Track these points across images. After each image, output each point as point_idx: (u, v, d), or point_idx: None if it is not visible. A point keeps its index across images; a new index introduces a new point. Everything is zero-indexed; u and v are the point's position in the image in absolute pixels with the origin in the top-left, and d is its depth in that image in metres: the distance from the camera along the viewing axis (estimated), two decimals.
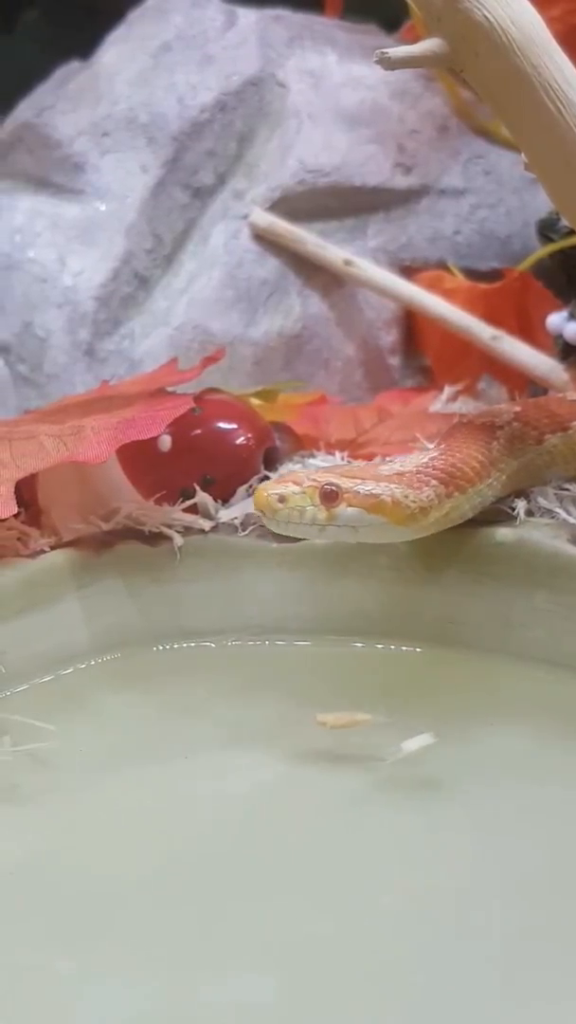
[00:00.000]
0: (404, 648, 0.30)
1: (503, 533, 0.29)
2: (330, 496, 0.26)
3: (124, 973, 0.22)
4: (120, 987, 0.22)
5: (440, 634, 0.30)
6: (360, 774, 0.26)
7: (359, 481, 0.27)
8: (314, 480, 0.27)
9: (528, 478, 0.31)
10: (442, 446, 0.29)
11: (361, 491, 0.27)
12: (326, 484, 0.27)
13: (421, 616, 0.30)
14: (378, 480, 0.27)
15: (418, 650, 0.30)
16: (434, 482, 0.28)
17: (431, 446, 0.29)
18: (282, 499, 0.26)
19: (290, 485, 0.27)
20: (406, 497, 0.27)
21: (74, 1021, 0.21)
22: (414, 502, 0.27)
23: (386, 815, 0.25)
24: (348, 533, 0.27)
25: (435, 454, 0.28)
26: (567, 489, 0.30)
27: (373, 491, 0.27)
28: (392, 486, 0.27)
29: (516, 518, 0.30)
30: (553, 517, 0.30)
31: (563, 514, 0.30)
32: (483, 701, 0.29)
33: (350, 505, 0.27)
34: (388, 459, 0.29)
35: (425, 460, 0.28)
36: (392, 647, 0.30)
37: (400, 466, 0.28)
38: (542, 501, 0.30)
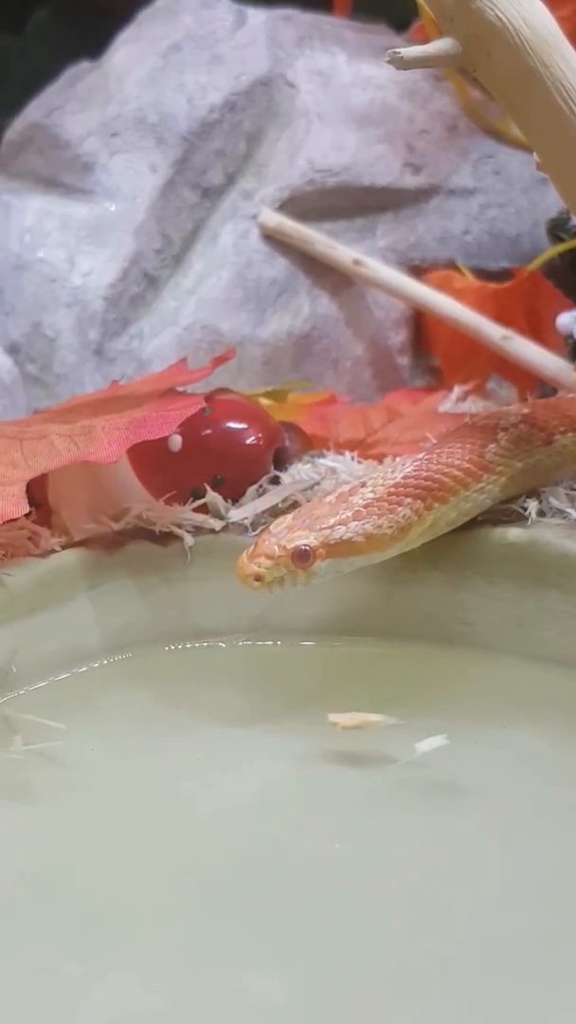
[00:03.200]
0: (416, 649, 0.30)
1: (515, 533, 0.29)
2: (303, 557, 0.26)
3: (133, 973, 0.22)
4: (129, 987, 0.22)
5: (452, 634, 0.30)
6: (372, 775, 0.26)
7: (328, 530, 0.27)
8: (283, 547, 0.26)
9: (537, 479, 0.30)
10: (423, 456, 0.29)
11: (332, 540, 0.27)
12: (297, 548, 0.26)
13: (433, 616, 0.30)
14: (346, 521, 0.27)
15: (430, 651, 0.30)
16: (407, 499, 0.28)
17: (410, 459, 0.29)
18: (259, 578, 0.26)
19: (262, 559, 0.26)
20: (379, 528, 0.27)
21: (82, 1020, 0.21)
22: (390, 527, 0.27)
23: (399, 816, 0.25)
24: (336, 575, 0.27)
25: (410, 469, 0.28)
26: None
27: (344, 536, 0.27)
28: (362, 523, 0.27)
29: (528, 518, 0.30)
30: (564, 517, 0.30)
31: (574, 514, 0.29)
32: (495, 702, 0.29)
33: (326, 557, 0.27)
34: (365, 478, 0.28)
35: (399, 477, 0.28)
36: (404, 647, 0.30)
37: (372, 492, 0.28)
38: (553, 501, 0.30)
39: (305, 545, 0.26)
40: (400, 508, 0.27)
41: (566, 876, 0.24)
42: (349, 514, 0.27)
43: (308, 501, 0.28)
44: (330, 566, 0.27)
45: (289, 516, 0.28)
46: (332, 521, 0.27)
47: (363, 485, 0.28)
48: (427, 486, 0.28)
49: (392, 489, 0.28)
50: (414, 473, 0.28)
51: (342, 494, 0.28)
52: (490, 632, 0.30)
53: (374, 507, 0.27)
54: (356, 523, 0.27)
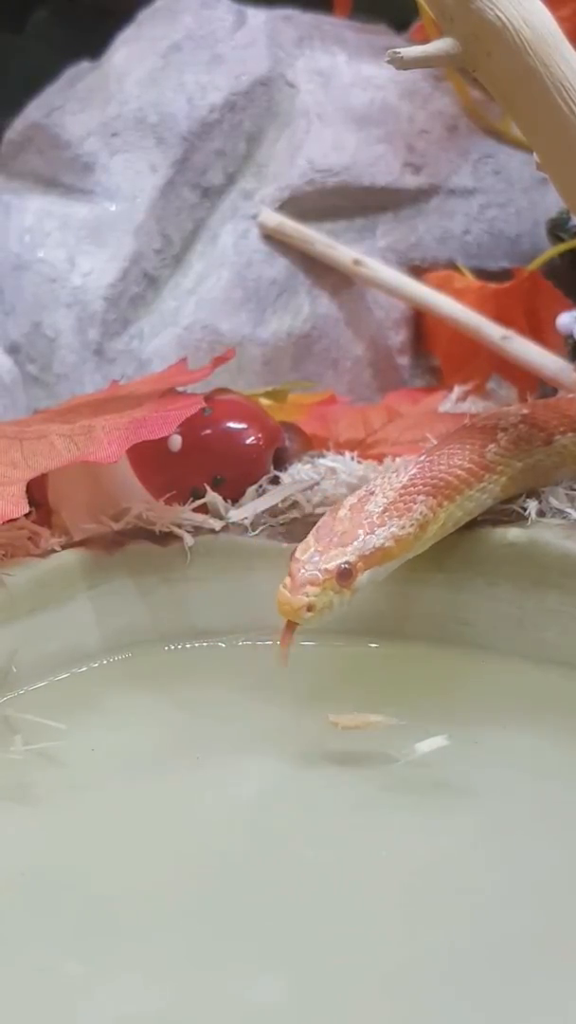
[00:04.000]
0: (416, 649, 0.30)
1: (515, 534, 0.29)
2: (346, 575, 0.26)
3: (134, 974, 0.22)
4: (129, 988, 0.22)
5: (452, 635, 0.30)
6: (373, 775, 0.26)
7: (360, 542, 0.26)
8: (325, 570, 0.26)
9: (537, 479, 0.30)
10: (425, 458, 0.28)
11: (367, 551, 0.26)
12: (339, 567, 0.26)
13: (433, 617, 0.30)
14: (373, 529, 0.27)
15: (430, 651, 0.30)
16: (420, 497, 0.28)
17: (412, 461, 0.29)
18: (310, 608, 0.26)
19: (307, 588, 0.26)
20: (403, 528, 0.27)
21: (83, 1021, 0.21)
22: (411, 526, 0.27)
23: (399, 817, 0.25)
24: (371, 586, 0.27)
25: (414, 471, 0.28)
26: None
27: (376, 544, 0.27)
28: (387, 527, 0.27)
29: (528, 519, 0.30)
30: (564, 517, 0.30)
31: (574, 515, 0.29)
32: (496, 702, 0.29)
33: (364, 570, 0.26)
34: (371, 486, 0.28)
35: (405, 479, 0.28)
36: (404, 648, 0.30)
37: (384, 497, 0.27)
38: (553, 501, 0.30)
39: (346, 563, 0.26)
40: (415, 506, 0.27)
41: (565, 876, 0.24)
42: (372, 522, 0.27)
43: (317, 524, 0.27)
44: (368, 577, 0.27)
45: (309, 540, 0.27)
46: (360, 533, 0.27)
47: (372, 493, 0.28)
48: (435, 484, 0.28)
49: (402, 491, 0.28)
50: (419, 474, 0.28)
51: (354, 506, 0.27)
52: (490, 632, 0.29)
53: (392, 510, 0.27)
54: (382, 529, 0.27)
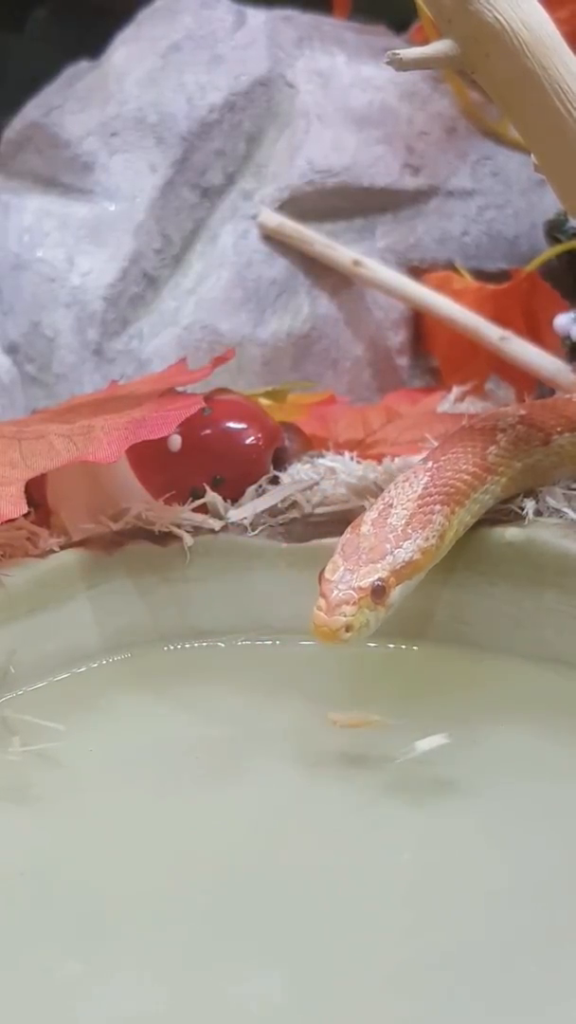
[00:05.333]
0: (415, 648, 0.30)
1: (512, 533, 0.29)
2: (380, 592, 0.26)
3: (133, 974, 0.22)
4: (128, 988, 0.22)
5: (451, 634, 0.30)
6: (373, 773, 0.26)
7: (390, 557, 0.26)
8: (360, 588, 0.25)
9: (535, 478, 0.31)
10: (431, 464, 0.29)
11: (398, 566, 0.26)
12: (373, 585, 0.26)
13: (432, 616, 0.30)
14: (400, 543, 0.26)
15: (429, 650, 0.30)
16: (436, 507, 0.28)
17: (421, 468, 0.29)
18: (349, 628, 0.25)
19: (344, 608, 0.25)
20: (427, 540, 0.27)
21: (82, 1021, 0.21)
22: (433, 536, 0.27)
23: (399, 815, 0.25)
24: (402, 600, 0.27)
25: (425, 479, 0.28)
26: (575, 489, 0.30)
27: (405, 558, 0.26)
28: (413, 540, 0.27)
29: (525, 518, 0.30)
30: (562, 517, 0.30)
31: (571, 514, 0.30)
32: (494, 701, 0.29)
33: (396, 585, 0.26)
34: (387, 498, 0.28)
35: (420, 489, 0.28)
36: (403, 647, 0.30)
37: (404, 508, 0.27)
38: (551, 501, 0.30)
39: (379, 580, 0.26)
40: (434, 516, 0.27)
41: (565, 873, 0.24)
42: (397, 535, 0.27)
43: (341, 541, 0.27)
44: (400, 592, 0.26)
45: (336, 559, 0.26)
46: (388, 547, 0.26)
47: (390, 506, 0.28)
48: (447, 491, 0.28)
49: (420, 502, 0.27)
50: (431, 482, 0.28)
51: (376, 520, 0.27)
52: (488, 631, 0.30)
53: (414, 522, 0.27)
54: (408, 542, 0.27)
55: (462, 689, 0.29)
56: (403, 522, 0.27)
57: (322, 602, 0.26)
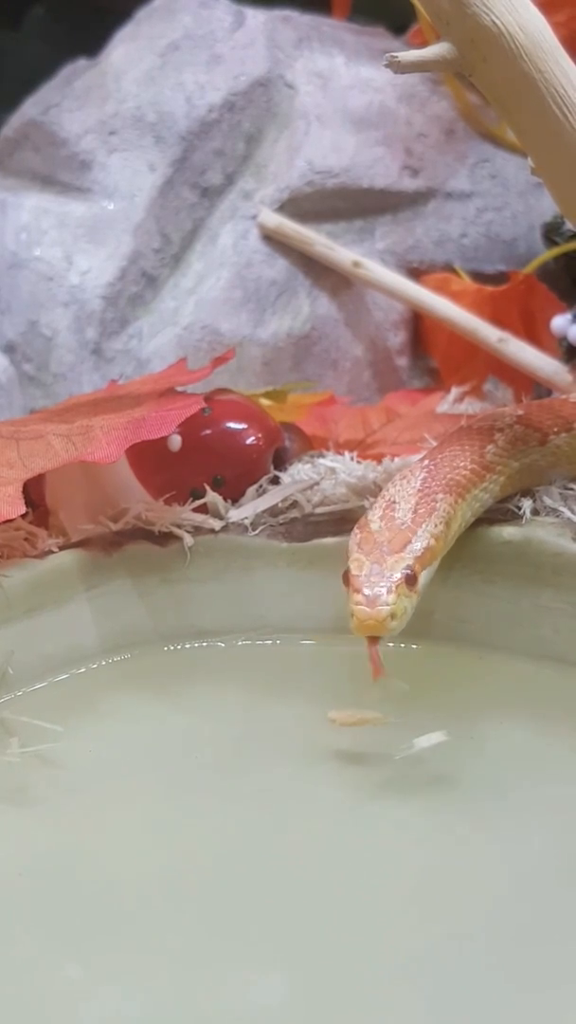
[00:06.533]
0: (414, 646, 0.30)
1: (510, 532, 0.30)
2: (412, 580, 0.26)
3: (132, 975, 0.22)
4: (128, 989, 0.22)
5: (449, 632, 0.30)
6: (372, 771, 0.27)
7: (410, 545, 0.27)
8: (394, 579, 0.26)
9: (532, 478, 0.31)
10: (428, 462, 0.29)
11: (419, 552, 0.27)
12: (405, 575, 0.26)
13: (430, 615, 0.30)
14: (414, 531, 0.27)
15: (427, 648, 0.30)
16: (439, 495, 0.28)
17: (417, 466, 0.29)
18: (393, 616, 0.26)
19: (385, 598, 0.26)
20: (437, 526, 0.28)
21: (82, 1022, 0.21)
22: (441, 522, 0.28)
23: (398, 812, 0.26)
24: (426, 586, 0.27)
25: (423, 475, 0.28)
26: (572, 488, 0.31)
27: (425, 545, 0.27)
28: (425, 527, 0.27)
29: (522, 517, 0.30)
30: (558, 516, 0.30)
31: (568, 513, 0.30)
32: (493, 698, 0.29)
33: (421, 570, 0.27)
34: (387, 496, 0.28)
35: (418, 484, 0.28)
36: (402, 645, 0.30)
37: (406, 502, 0.28)
38: (547, 500, 0.30)
39: (408, 567, 0.26)
40: (437, 504, 0.28)
41: (564, 870, 0.24)
42: (409, 526, 0.27)
43: (355, 541, 0.27)
44: (425, 577, 0.27)
45: (359, 557, 0.27)
46: (408, 536, 0.27)
47: (393, 502, 0.28)
48: (447, 482, 0.29)
49: (420, 493, 0.28)
50: (430, 476, 0.29)
51: (384, 516, 0.28)
52: (486, 630, 0.30)
53: (421, 511, 0.28)
54: (422, 530, 0.27)
55: (461, 687, 0.29)
56: (410, 514, 0.28)
57: (360, 598, 0.26)
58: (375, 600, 0.26)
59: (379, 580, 0.26)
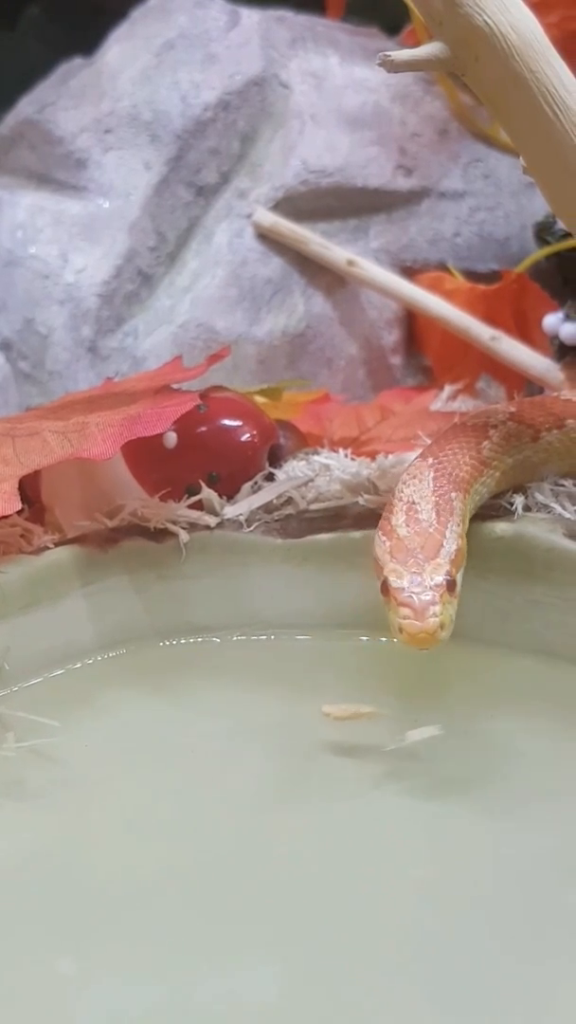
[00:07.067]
0: None
1: (502, 528, 0.30)
2: (452, 585, 0.26)
3: (128, 970, 0.22)
4: (124, 984, 0.22)
5: None
6: (366, 765, 0.27)
7: (443, 550, 0.27)
8: (437, 588, 0.26)
9: (525, 474, 0.31)
10: (430, 460, 0.29)
11: (452, 556, 0.27)
12: (446, 582, 0.26)
13: None
14: (442, 534, 0.27)
15: None
16: (452, 493, 0.28)
17: (423, 465, 0.29)
18: (442, 626, 0.26)
19: (432, 609, 0.25)
20: (458, 525, 0.28)
21: (78, 1016, 0.21)
22: (460, 521, 0.28)
23: (392, 805, 0.26)
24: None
25: (432, 475, 0.29)
26: (563, 485, 0.31)
27: (455, 547, 0.27)
28: (448, 528, 0.27)
29: (514, 513, 0.30)
30: (549, 512, 0.30)
31: (559, 509, 0.30)
32: (486, 693, 0.29)
33: (456, 573, 0.27)
34: (404, 498, 0.28)
35: (431, 483, 0.28)
36: (395, 640, 0.29)
37: (425, 502, 0.28)
38: (539, 496, 0.31)
39: (447, 574, 0.26)
40: (454, 503, 0.28)
41: (556, 861, 0.24)
42: (438, 529, 0.27)
43: (385, 548, 0.27)
44: (460, 579, 0.27)
45: (395, 567, 0.26)
46: (438, 539, 0.27)
47: (413, 503, 0.28)
48: (456, 480, 0.29)
49: (436, 493, 0.28)
50: (437, 475, 0.29)
51: (408, 520, 0.28)
52: (478, 624, 0.30)
53: (442, 512, 0.28)
54: (448, 531, 0.27)
55: (454, 681, 0.29)
56: (433, 515, 0.28)
57: (407, 611, 0.26)
58: (423, 612, 0.26)
59: (422, 591, 0.26)
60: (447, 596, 0.26)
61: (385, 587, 0.27)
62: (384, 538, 0.28)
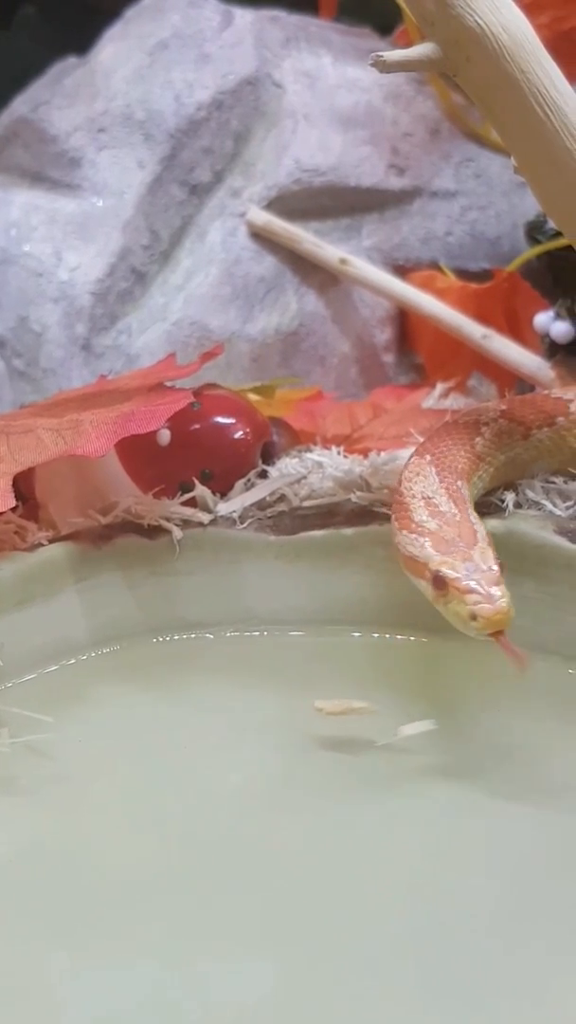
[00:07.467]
0: (399, 637, 0.30)
1: (493, 525, 0.30)
2: (504, 566, 0.26)
3: (121, 964, 0.22)
4: (116, 978, 0.22)
5: (434, 623, 0.30)
6: (359, 760, 0.27)
7: (480, 534, 0.27)
8: (493, 568, 0.26)
9: (516, 471, 0.31)
10: (428, 457, 0.29)
11: (486, 536, 0.27)
12: (499, 562, 0.26)
13: (416, 606, 0.30)
14: (468, 518, 0.27)
15: (413, 639, 0.30)
16: (459, 482, 0.29)
17: (422, 462, 0.29)
18: (510, 603, 0.26)
19: (496, 589, 0.25)
20: (473, 512, 0.28)
21: (70, 1011, 0.22)
22: (473, 508, 0.28)
23: (384, 799, 0.26)
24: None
25: (434, 468, 0.29)
26: (553, 482, 0.31)
27: (484, 529, 0.27)
28: (471, 514, 0.28)
29: (505, 510, 0.30)
30: (540, 509, 0.30)
31: (549, 506, 0.30)
32: (477, 688, 0.29)
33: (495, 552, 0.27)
34: (417, 495, 0.28)
35: (436, 477, 0.28)
36: (388, 636, 0.30)
37: (441, 493, 0.28)
38: (530, 493, 0.31)
39: (496, 556, 0.26)
40: (461, 491, 0.28)
41: (549, 855, 0.24)
42: (464, 515, 0.27)
43: (419, 545, 0.27)
44: None
45: (446, 559, 0.26)
46: (468, 526, 0.27)
47: (428, 498, 0.28)
48: (457, 471, 0.29)
49: (444, 485, 0.28)
50: (439, 469, 0.29)
51: (434, 513, 0.28)
52: None
53: (457, 500, 0.28)
54: (472, 517, 0.28)
55: (446, 677, 0.30)
56: (452, 506, 0.28)
57: (476, 597, 0.26)
58: (491, 596, 0.26)
59: (482, 576, 0.26)
60: (502, 576, 0.26)
61: (440, 581, 0.26)
62: (415, 536, 0.27)
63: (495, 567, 0.26)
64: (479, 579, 0.26)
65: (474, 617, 0.26)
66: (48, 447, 0.30)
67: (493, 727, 0.28)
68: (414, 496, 0.28)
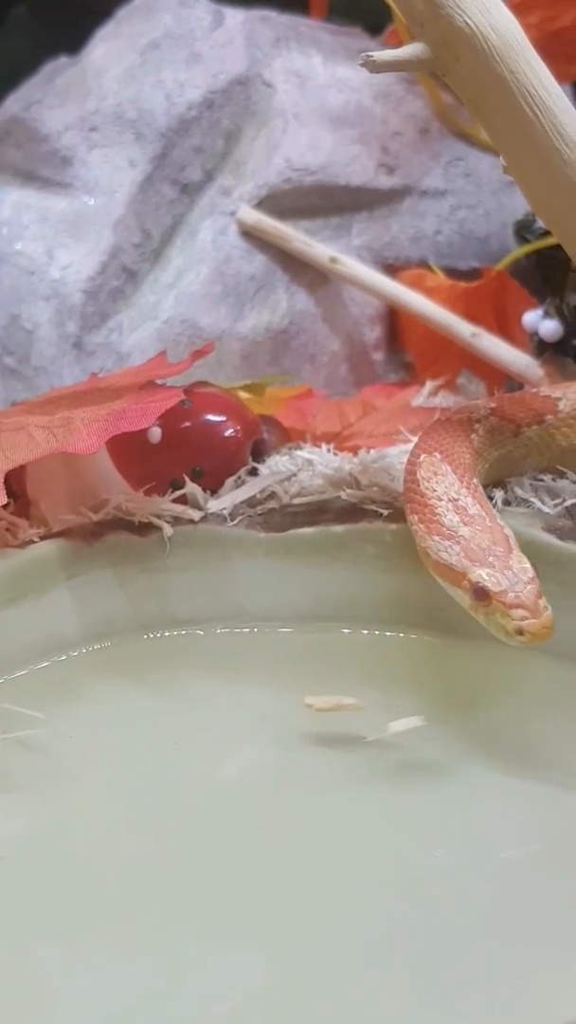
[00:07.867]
0: (390, 634, 0.31)
1: None
2: (537, 573, 0.26)
3: (113, 959, 0.22)
4: (109, 973, 0.22)
5: (425, 620, 0.30)
6: (348, 756, 0.27)
7: (511, 539, 0.27)
8: (533, 578, 0.26)
9: (505, 469, 0.32)
10: (437, 455, 0.29)
11: (517, 543, 0.27)
12: (535, 570, 0.26)
13: (406, 603, 0.31)
14: (496, 521, 0.27)
15: (404, 636, 0.31)
16: (474, 480, 0.29)
17: (435, 460, 0.29)
18: (551, 615, 0.26)
19: (542, 600, 0.25)
20: (495, 511, 0.28)
21: (64, 1006, 0.22)
22: (492, 506, 0.28)
23: (374, 795, 0.26)
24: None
25: (447, 466, 0.29)
26: (542, 480, 0.31)
27: (512, 532, 0.27)
28: (498, 516, 0.28)
29: (494, 508, 0.30)
30: (529, 506, 0.31)
31: (538, 503, 0.31)
32: (467, 685, 0.29)
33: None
34: (443, 497, 0.28)
35: (452, 475, 0.28)
36: (378, 633, 0.30)
37: (462, 493, 0.28)
38: (518, 491, 0.31)
39: (531, 564, 0.26)
40: (479, 489, 0.28)
41: (537, 851, 0.24)
42: (492, 518, 0.27)
43: (454, 552, 0.27)
44: None
45: (486, 571, 0.26)
46: (499, 531, 0.27)
47: (454, 500, 0.28)
48: (468, 469, 0.29)
49: (464, 484, 0.28)
50: (453, 468, 0.29)
51: (464, 519, 0.27)
52: (461, 617, 0.30)
53: (481, 501, 0.28)
54: (499, 520, 0.27)
55: (436, 673, 0.30)
56: (479, 508, 0.28)
57: (522, 612, 0.25)
58: (536, 609, 0.25)
59: (523, 588, 0.26)
60: (539, 585, 0.26)
61: (482, 593, 0.26)
62: (447, 542, 0.27)
63: (535, 576, 0.26)
64: (522, 591, 0.26)
65: (521, 632, 0.25)
66: (39, 444, 0.30)
67: (481, 723, 0.28)
68: (440, 499, 0.28)
